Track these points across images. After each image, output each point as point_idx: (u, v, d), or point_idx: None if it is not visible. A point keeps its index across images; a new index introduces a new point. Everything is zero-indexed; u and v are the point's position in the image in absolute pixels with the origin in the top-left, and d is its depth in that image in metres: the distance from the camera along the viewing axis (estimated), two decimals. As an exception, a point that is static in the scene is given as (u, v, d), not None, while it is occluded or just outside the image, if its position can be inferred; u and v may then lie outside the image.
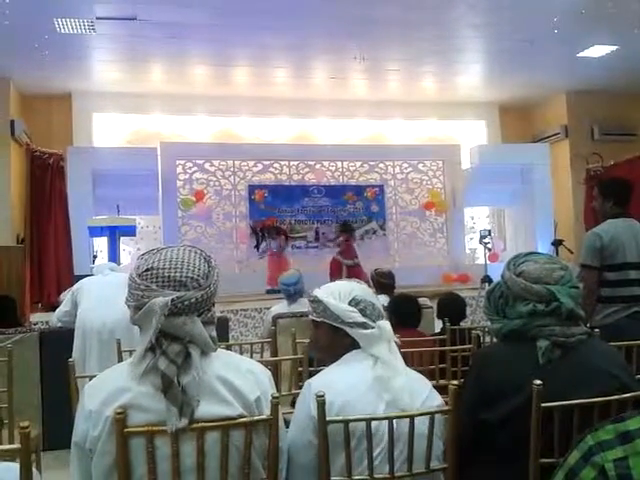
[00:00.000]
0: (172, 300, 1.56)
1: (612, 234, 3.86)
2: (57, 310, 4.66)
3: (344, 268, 9.45)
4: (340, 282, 2.10)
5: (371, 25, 7.70)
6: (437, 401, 1.91)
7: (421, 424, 1.80)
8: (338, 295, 1.97)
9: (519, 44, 8.45)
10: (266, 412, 1.66)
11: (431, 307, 5.29)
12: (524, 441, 1.81)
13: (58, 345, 4.51)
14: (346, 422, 1.73)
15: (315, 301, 2.02)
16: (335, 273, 9.35)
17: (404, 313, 4.00)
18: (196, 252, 1.70)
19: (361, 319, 1.92)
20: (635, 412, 0.82)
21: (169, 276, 1.60)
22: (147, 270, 1.63)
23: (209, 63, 9.06)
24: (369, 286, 2.13)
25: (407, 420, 1.77)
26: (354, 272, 9.44)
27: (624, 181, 4.26)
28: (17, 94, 9.32)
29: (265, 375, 1.73)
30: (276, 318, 4.91)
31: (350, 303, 1.94)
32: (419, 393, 1.88)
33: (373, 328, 1.92)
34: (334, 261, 9.60)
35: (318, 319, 2.00)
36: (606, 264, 3.81)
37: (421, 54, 8.93)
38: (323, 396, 1.72)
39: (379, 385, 1.84)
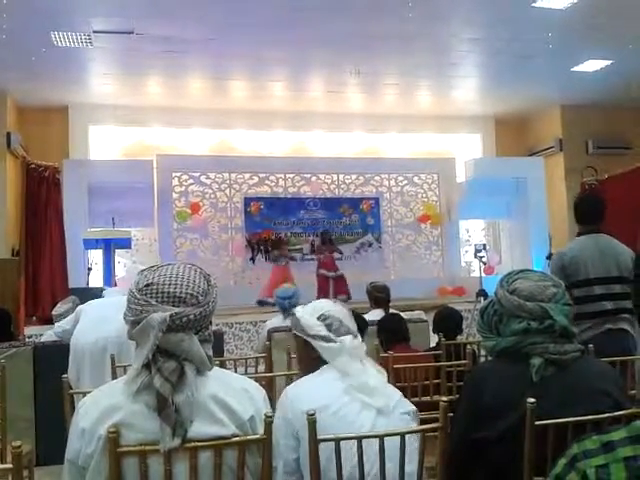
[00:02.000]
0: (170, 316, 1.56)
1: (574, 251, 3.90)
2: (57, 325, 4.64)
3: (331, 281, 9.51)
4: (320, 301, 2.27)
5: (367, 39, 7.75)
6: (409, 406, 2.05)
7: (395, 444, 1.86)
8: (312, 310, 2.16)
9: (514, 59, 8.52)
10: (260, 431, 1.65)
11: (426, 321, 5.28)
12: (518, 459, 1.81)
13: (52, 359, 4.47)
14: (337, 440, 1.73)
15: (293, 316, 2.22)
16: (323, 288, 9.42)
17: (391, 329, 4.06)
18: (196, 270, 1.70)
19: (324, 332, 2.07)
20: (620, 426, 0.86)
21: (168, 292, 1.60)
22: (147, 285, 1.62)
23: (206, 76, 9.10)
24: (348, 297, 2.34)
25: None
26: (339, 283, 9.52)
27: (591, 199, 4.33)
28: (14, 106, 9.34)
29: (259, 394, 1.72)
30: (271, 332, 4.90)
31: (319, 318, 2.10)
32: (391, 396, 2.02)
33: (335, 342, 2.06)
34: (320, 277, 9.66)
35: (295, 332, 2.19)
36: (570, 282, 3.80)
37: (417, 68, 8.99)
38: (314, 415, 1.72)
39: (351, 390, 1.97)
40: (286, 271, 9.78)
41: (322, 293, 9.17)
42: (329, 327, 2.09)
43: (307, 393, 1.98)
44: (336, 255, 10.10)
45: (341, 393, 1.96)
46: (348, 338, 2.08)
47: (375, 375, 2.05)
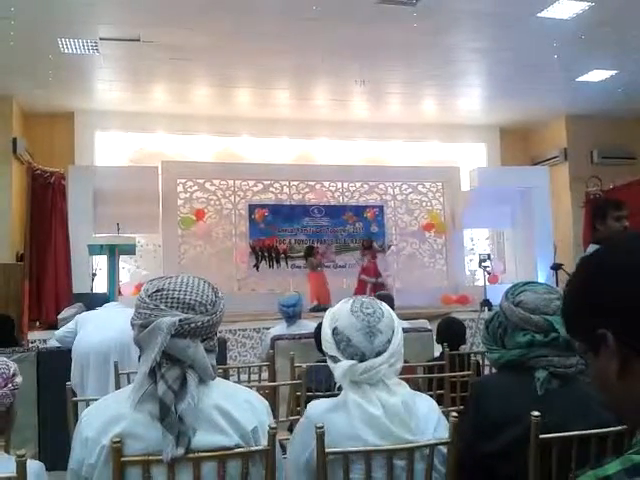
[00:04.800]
0: (179, 321, 1.57)
1: None
2: (60, 330, 4.67)
3: (369, 287, 9.48)
4: (344, 305, 1.89)
5: (373, 48, 7.78)
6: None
7: (418, 461, 1.79)
8: (331, 318, 1.88)
9: (519, 68, 8.52)
10: (263, 442, 1.65)
11: (430, 330, 5.27)
12: (523, 472, 1.80)
13: (56, 365, 4.49)
14: (345, 454, 1.72)
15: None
16: (360, 294, 9.33)
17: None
18: (205, 281, 1.73)
19: (332, 352, 1.83)
20: (613, 457, 0.85)
21: (178, 298, 1.62)
22: (157, 291, 1.64)
23: (211, 84, 9.13)
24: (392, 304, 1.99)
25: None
26: (377, 290, 9.39)
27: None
28: (20, 112, 9.38)
29: (262, 405, 1.73)
30: (275, 340, 4.89)
31: (333, 331, 1.84)
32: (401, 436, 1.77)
33: (339, 363, 1.80)
34: (360, 282, 9.73)
35: None
36: None
37: (422, 77, 9.00)
38: (322, 428, 1.71)
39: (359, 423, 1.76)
40: (322, 277, 9.85)
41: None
42: (337, 345, 1.82)
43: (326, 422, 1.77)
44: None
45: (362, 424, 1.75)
46: (345, 364, 1.78)
47: (392, 405, 1.75)
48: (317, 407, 1.87)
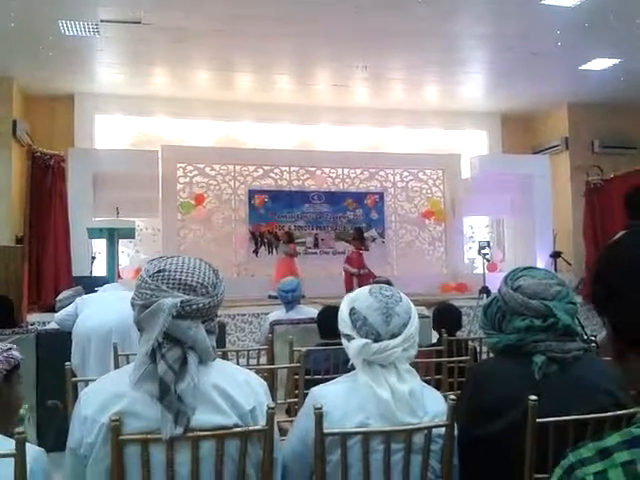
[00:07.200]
0: (181, 302, 1.58)
1: None
2: (59, 312, 4.68)
3: (355, 279, 9.28)
4: (365, 288, 1.95)
5: (375, 34, 7.74)
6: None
7: (418, 441, 1.79)
8: (351, 299, 1.92)
9: (522, 56, 8.48)
10: (261, 423, 1.66)
11: (428, 317, 5.28)
12: (519, 456, 1.81)
13: (55, 346, 4.51)
14: (343, 435, 1.73)
15: None
16: (347, 284, 9.24)
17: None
18: (206, 263, 1.73)
19: (347, 331, 1.86)
20: (612, 432, 0.88)
21: (180, 279, 1.62)
22: (159, 271, 1.64)
23: (212, 68, 9.09)
24: None
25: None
26: (363, 282, 9.24)
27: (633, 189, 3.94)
28: (20, 94, 9.34)
29: (261, 386, 1.73)
30: (273, 324, 4.91)
31: (350, 311, 1.88)
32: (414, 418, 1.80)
33: (352, 341, 1.84)
34: (345, 272, 9.58)
35: None
36: None
37: (424, 64, 8.96)
38: (321, 408, 1.72)
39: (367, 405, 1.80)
40: (292, 263, 9.70)
41: (347, 288, 8.86)
42: (354, 324, 1.85)
43: (330, 401, 1.81)
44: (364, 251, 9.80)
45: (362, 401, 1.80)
46: (361, 342, 1.81)
47: (400, 392, 1.78)
48: (333, 399, 1.83)
